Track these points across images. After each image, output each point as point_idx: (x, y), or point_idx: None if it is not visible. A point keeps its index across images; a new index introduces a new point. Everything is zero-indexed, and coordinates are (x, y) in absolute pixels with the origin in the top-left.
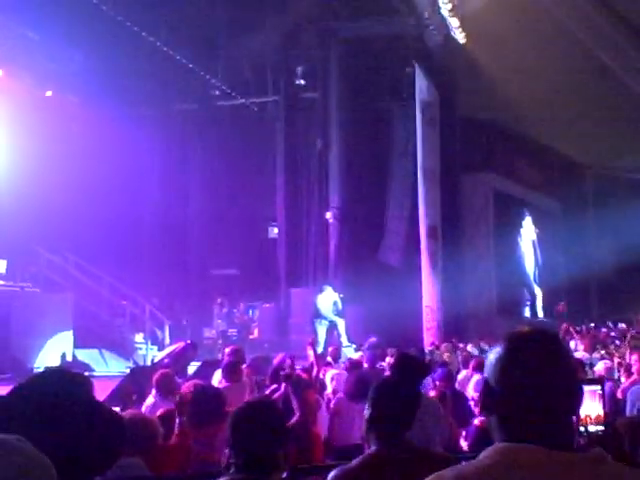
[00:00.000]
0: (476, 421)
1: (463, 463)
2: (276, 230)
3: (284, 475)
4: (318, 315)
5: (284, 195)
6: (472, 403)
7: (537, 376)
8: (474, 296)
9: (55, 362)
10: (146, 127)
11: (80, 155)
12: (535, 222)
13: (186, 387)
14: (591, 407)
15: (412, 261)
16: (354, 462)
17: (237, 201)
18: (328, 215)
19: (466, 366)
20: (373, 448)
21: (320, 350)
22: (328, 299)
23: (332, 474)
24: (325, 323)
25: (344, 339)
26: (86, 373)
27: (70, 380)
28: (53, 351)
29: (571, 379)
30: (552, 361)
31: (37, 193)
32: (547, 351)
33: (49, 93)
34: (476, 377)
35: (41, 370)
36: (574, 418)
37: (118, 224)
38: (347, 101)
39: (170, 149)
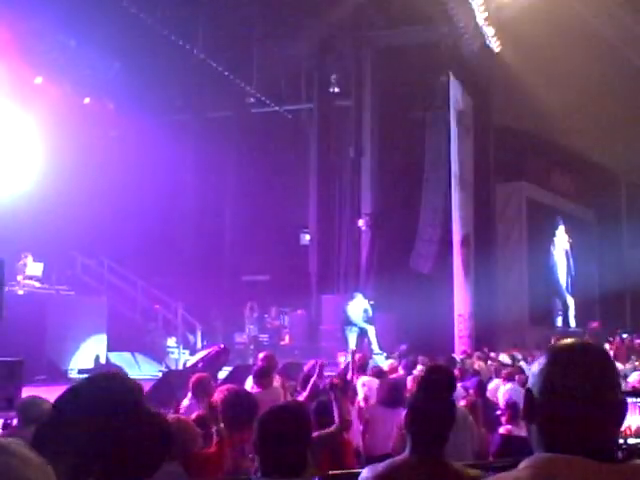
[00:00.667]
0: (501, 429)
1: (495, 475)
2: (308, 237)
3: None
4: (348, 322)
5: (316, 202)
6: (499, 412)
7: (580, 388)
8: (506, 305)
9: (89, 365)
10: (181, 134)
11: (116, 161)
12: (569, 231)
13: (220, 391)
14: (631, 419)
15: (444, 269)
16: (383, 464)
17: (270, 207)
18: (360, 222)
19: (498, 375)
20: (405, 454)
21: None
22: (358, 306)
23: (361, 476)
24: (355, 330)
25: (375, 346)
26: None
27: (122, 384)
28: (87, 354)
29: (615, 391)
30: (596, 373)
31: (74, 198)
32: (591, 363)
33: (87, 100)
34: (507, 386)
35: (95, 373)
36: (617, 431)
37: (153, 229)
38: (381, 109)
39: (205, 156)
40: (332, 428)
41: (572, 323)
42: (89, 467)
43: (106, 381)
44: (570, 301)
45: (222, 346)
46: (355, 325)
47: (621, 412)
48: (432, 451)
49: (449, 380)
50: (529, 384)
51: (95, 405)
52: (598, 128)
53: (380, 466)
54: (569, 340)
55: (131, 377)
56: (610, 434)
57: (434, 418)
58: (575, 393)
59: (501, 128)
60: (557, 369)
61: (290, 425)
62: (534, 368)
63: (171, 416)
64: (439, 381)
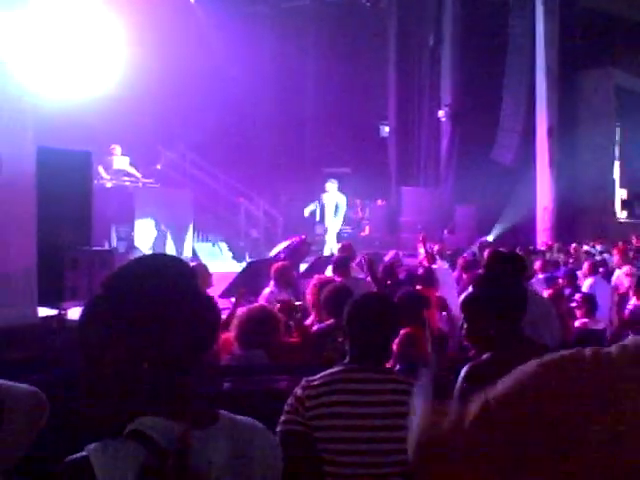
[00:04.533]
0: (577, 323)
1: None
2: (387, 128)
3: (397, 367)
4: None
5: (395, 93)
6: (575, 305)
7: None
8: (590, 198)
9: (175, 253)
10: (259, 25)
11: (196, 54)
12: None
13: (318, 281)
14: None
15: (526, 160)
16: (482, 358)
17: (349, 100)
18: (440, 113)
19: (580, 267)
20: (494, 351)
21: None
22: (331, 201)
23: (464, 369)
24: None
25: (332, 246)
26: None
27: (167, 264)
28: (175, 244)
29: None
30: None
31: (157, 93)
32: None
33: None
34: (589, 280)
35: (146, 254)
36: None
37: (234, 123)
38: None
39: (283, 47)
40: None
41: None
42: (141, 349)
43: (156, 261)
44: None
45: (303, 237)
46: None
47: None
48: (516, 333)
49: (513, 262)
50: None
51: (145, 284)
52: None
53: (480, 360)
54: None
55: (185, 261)
56: None
57: (509, 300)
58: None
59: (589, 11)
60: None
61: (381, 312)
62: None
63: (255, 305)
64: (503, 263)
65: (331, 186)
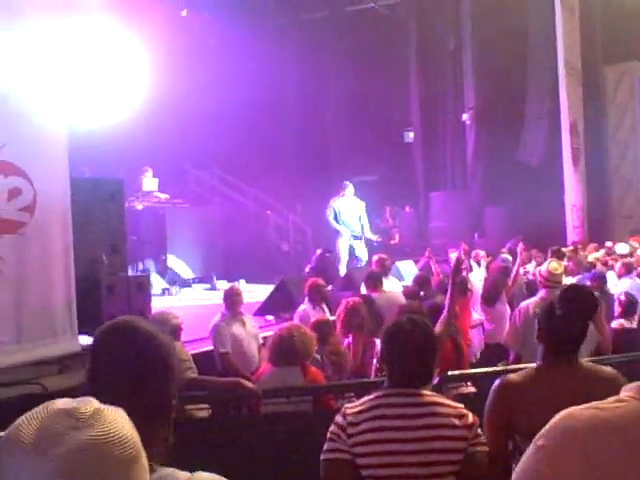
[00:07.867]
0: (614, 324)
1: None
2: (412, 134)
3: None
4: (338, 222)
5: (418, 99)
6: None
7: None
8: (620, 193)
9: (207, 272)
10: (278, 38)
11: (218, 71)
12: None
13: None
14: None
15: (553, 159)
16: (517, 374)
17: (372, 108)
18: (464, 116)
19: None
20: (539, 362)
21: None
22: (350, 206)
23: (496, 384)
24: (347, 234)
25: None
26: (239, 282)
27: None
28: (205, 262)
29: None
30: None
31: (181, 112)
32: None
33: (184, 13)
34: (625, 280)
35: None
36: None
37: (259, 137)
38: None
39: (304, 58)
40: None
41: None
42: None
43: (120, 331)
44: None
45: (320, 250)
46: (349, 228)
47: None
48: (569, 356)
49: (588, 302)
50: None
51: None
52: None
53: (514, 375)
54: None
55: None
56: None
57: (570, 338)
58: None
59: (608, 6)
60: None
61: (414, 335)
62: None
63: (291, 324)
64: (577, 302)
65: (349, 190)
